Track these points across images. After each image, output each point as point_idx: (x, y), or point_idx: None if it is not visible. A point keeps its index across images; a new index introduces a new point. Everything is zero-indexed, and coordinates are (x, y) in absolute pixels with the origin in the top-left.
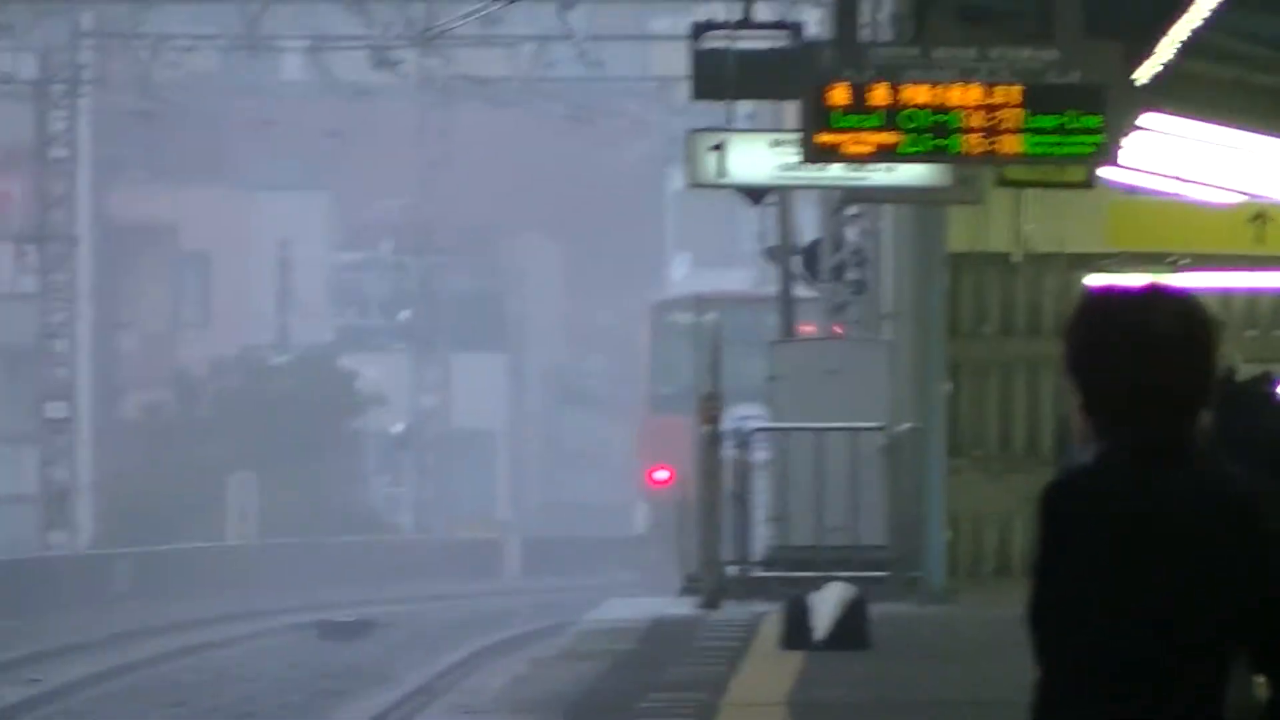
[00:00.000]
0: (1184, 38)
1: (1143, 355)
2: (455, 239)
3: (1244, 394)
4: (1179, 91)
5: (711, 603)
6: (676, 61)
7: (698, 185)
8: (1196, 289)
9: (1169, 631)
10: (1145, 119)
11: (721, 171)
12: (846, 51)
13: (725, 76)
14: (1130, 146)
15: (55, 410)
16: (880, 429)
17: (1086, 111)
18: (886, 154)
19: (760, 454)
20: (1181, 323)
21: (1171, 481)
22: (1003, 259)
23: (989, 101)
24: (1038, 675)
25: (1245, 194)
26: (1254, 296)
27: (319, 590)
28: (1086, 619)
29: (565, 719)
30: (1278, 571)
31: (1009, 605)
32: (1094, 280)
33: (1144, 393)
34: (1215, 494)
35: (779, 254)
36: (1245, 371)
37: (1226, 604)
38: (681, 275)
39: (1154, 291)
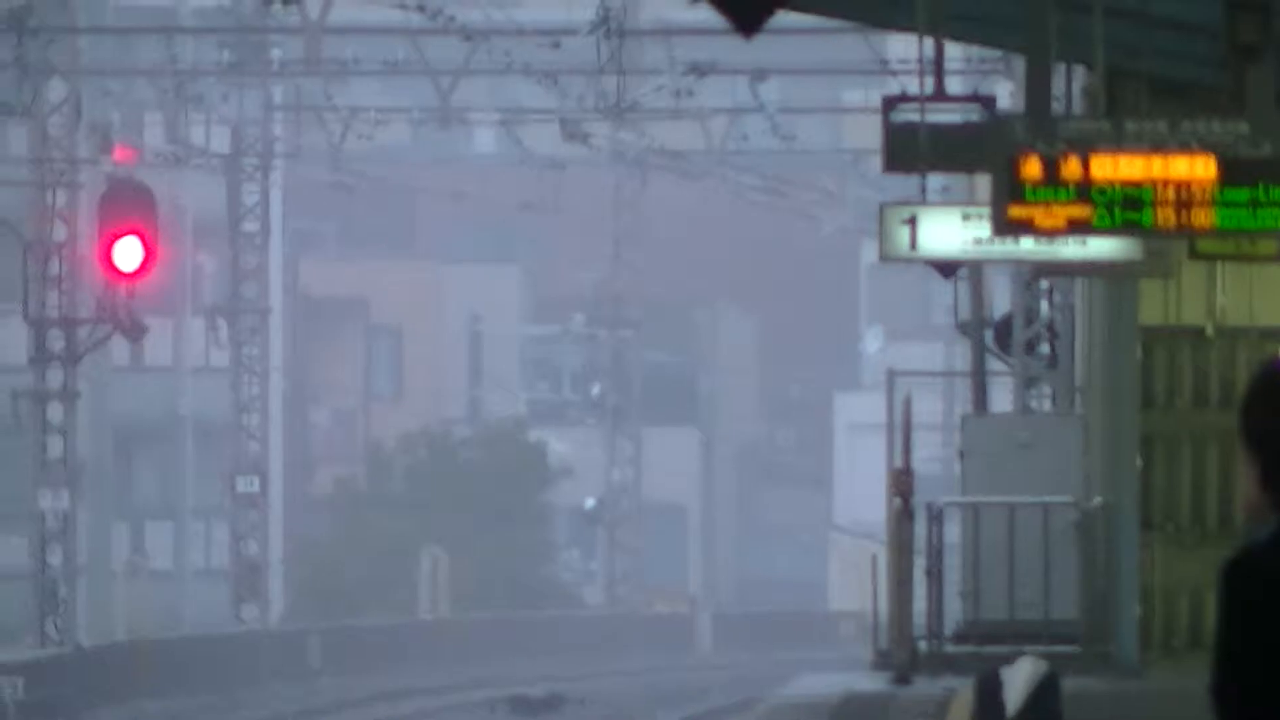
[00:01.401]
0: None
1: None
2: (648, 312)
3: None
4: None
5: (903, 678)
6: (869, 134)
7: (890, 259)
8: None
9: None
10: None
11: (913, 245)
12: (1038, 124)
13: (917, 149)
14: None
15: (247, 484)
16: (1072, 503)
17: (1279, 184)
18: (1079, 227)
19: (953, 528)
20: None
21: None
22: (1196, 332)
23: (1181, 174)
24: None
25: None
26: None
27: (511, 665)
28: (1271, 695)
29: None
30: None
31: (1202, 679)
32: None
33: None
34: None
35: (971, 328)
36: None
37: None
38: (874, 349)
39: None
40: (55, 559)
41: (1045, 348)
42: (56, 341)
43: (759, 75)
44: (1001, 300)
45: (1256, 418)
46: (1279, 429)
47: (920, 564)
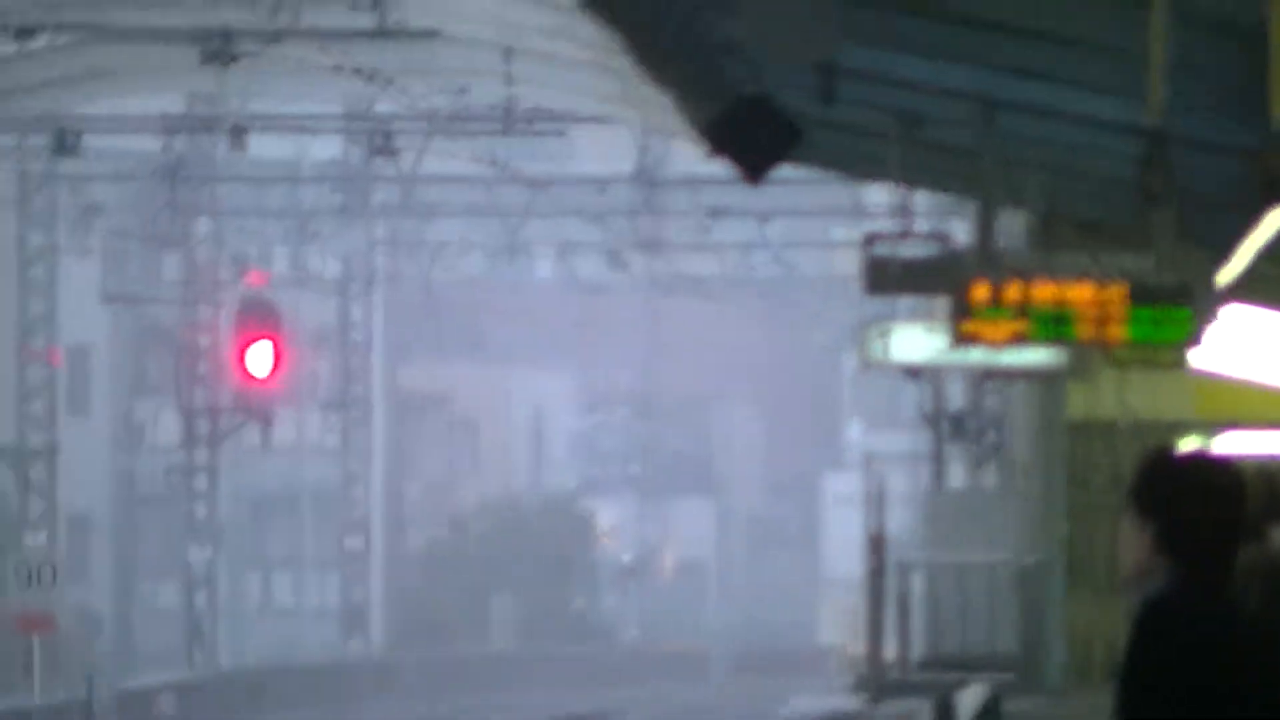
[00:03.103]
0: (1259, 246)
1: (1208, 499)
2: (674, 406)
3: None
4: (1255, 289)
5: (876, 698)
6: (852, 263)
7: (868, 365)
8: (1258, 455)
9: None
10: (1227, 311)
11: (887, 353)
12: (986, 257)
13: (890, 276)
14: (1214, 334)
15: (353, 543)
16: (1012, 561)
17: (1178, 305)
18: (1018, 339)
19: (918, 581)
20: (1230, 475)
21: (1227, 605)
22: (1111, 425)
23: (1100, 297)
24: None
25: None
26: None
27: (563, 688)
28: (1196, 715)
29: None
30: None
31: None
32: (1160, 446)
33: (1211, 534)
34: (1247, 617)
35: (933, 419)
36: None
37: (1270, 707)
38: (855, 436)
39: (1203, 453)
40: (201, 600)
41: (991, 435)
42: (202, 427)
43: (764, 216)
44: (956, 396)
45: (1150, 492)
46: (1173, 500)
47: (891, 609)
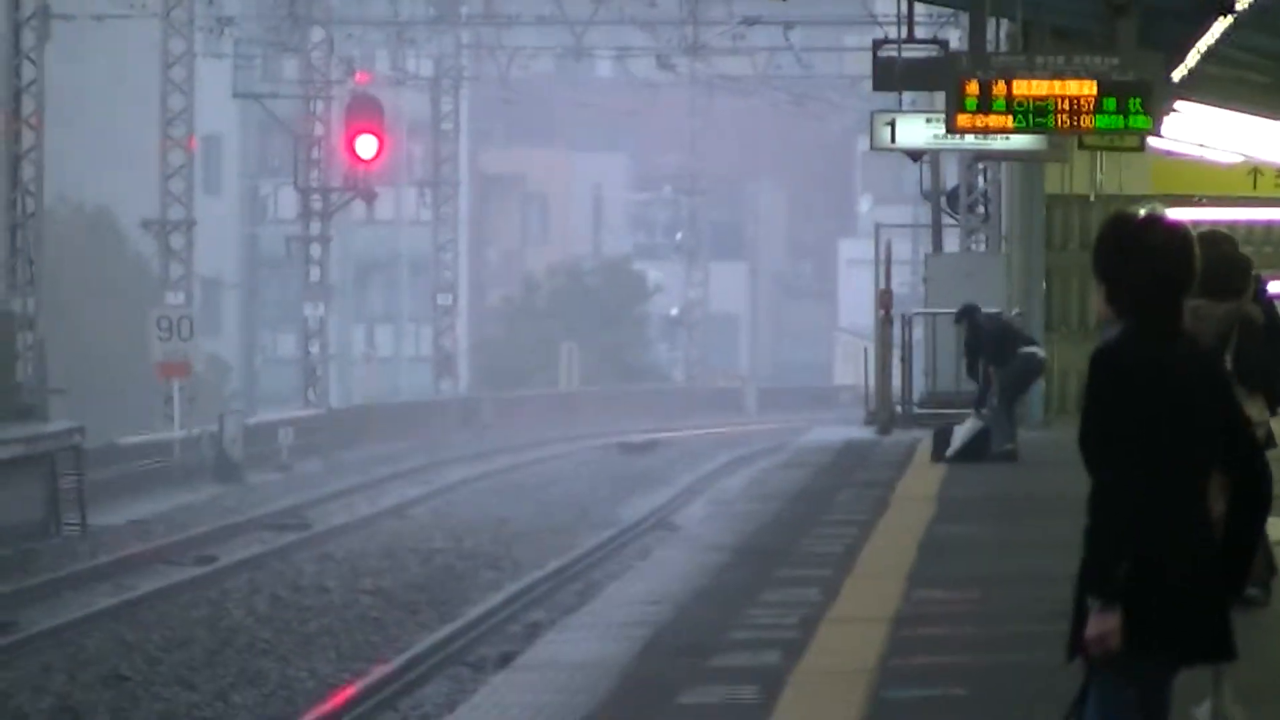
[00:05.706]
0: (1204, 50)
1: (1149, 260)
2: (713, 184)
3: None
4: (1201, 86)
5: (884, 430)
6: (864, 64)
7: (876, 149)
8: (1201, 219)
9: (1190, 437)
10: (1179, 105)
11: (893, 139)
12: (977, 59)
13: (896, 75)
14: (1168, 123)
15: (444, 299)
16: (999, 312)
17: (1138, 99)
18: (1004, 128)
19: (919, 330)
20: (1173, 238)
21: (1174, 347)
22: (1083, 198)
23: (1073, 93)
24: (1103, 477)
25: (1244, 155)
26: (1250, 225)
27: (619, 421)
28: (1138, 435)
29: (787, 504)
30: (1229, 406)
31: None
32: (1112, 213)
33: (1150, 285)
34: (1197, 355)
35: (932, 195)
36: None
37: (1209, 423)
38: (866, 209)
39: (1154, 218)
40: (314, 349)
41: (981, 209)
42: (316, 203)
43: (789, 25)
44: (952, 175)
45: (1101, 256)
46: (1114, 263)
47: (896, 354)
